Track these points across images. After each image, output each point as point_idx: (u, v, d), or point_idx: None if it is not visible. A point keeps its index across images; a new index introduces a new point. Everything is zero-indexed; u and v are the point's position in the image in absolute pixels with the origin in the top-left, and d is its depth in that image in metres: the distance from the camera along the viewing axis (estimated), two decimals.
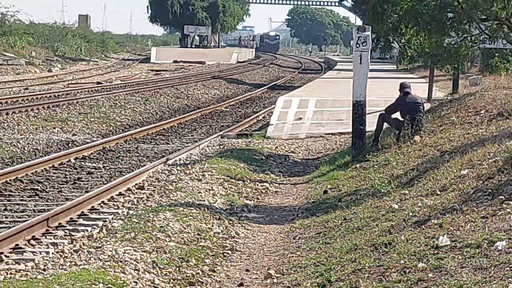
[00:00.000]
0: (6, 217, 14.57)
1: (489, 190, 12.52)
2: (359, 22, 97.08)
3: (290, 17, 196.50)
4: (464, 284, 8.85)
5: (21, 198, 16.37)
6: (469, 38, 25.48)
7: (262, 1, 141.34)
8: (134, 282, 10.97)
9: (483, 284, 8.64)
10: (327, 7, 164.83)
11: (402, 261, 10.47)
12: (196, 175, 18.58)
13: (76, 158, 21.17)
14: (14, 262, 11.74)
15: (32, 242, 12.86)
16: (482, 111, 20.97)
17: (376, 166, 18.95)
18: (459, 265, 9.55)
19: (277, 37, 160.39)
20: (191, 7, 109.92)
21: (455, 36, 25.26)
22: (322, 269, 11.48)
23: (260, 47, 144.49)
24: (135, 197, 16.48)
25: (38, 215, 14.24)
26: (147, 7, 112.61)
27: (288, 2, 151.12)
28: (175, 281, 11.48)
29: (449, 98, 29.01)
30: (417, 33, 26.04)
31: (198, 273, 11.98)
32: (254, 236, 14.43)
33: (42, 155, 21.78)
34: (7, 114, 28.72)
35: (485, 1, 22.94)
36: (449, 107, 25.09)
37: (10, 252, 12.17)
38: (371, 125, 21.71)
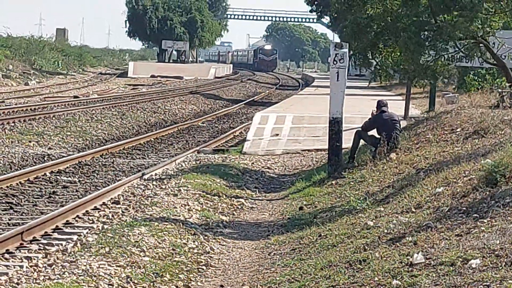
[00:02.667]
0: None
1: (464, 208, 12.57)
2: (336, 39, 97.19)
3: (268, 33, 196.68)
4: None
5: None
6: (445, 56, 25.65)
7: (240, 17, 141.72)
8: None
9: None
10: (305, 24, 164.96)
11: (376, 278, 10.50)
12: (171, 190, 18.57)
13: (51, 172, 21.12)
14: None
15: (6, 256, 12.80)
16: (458, 129, 21.04)
17: (352, 183, 18.98)
18: (433, 282, 9.59)
19: (275, 52, 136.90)
20: (169, 22, 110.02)
21: (432, 54, 25.41)
22: (296, 286, 11.48)
23: (253, 64, 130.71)
24: (110, 212, 16.45)
25: (12, 228, 14.19)
26: (125, 21, 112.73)
27: (266, 18, 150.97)
28: None
29: (425, 115, 29.07)
30: (394, 50, 26.19)
31: None
32: (229, 252, 14.43)
33: (17, 168, 21.70)
34: None
35: (464, 20, 23.10)
36: (425, 124, 25.16)
37: None
38: (347, 142, 21.75)
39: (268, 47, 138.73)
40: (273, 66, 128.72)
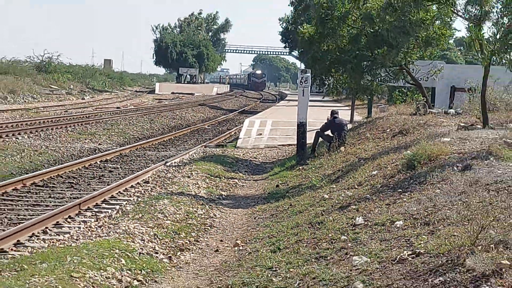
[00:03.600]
0: (50, 202, 14.52)
1: (391, 185, 12.62)
2: (302, 67, 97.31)
3: (254, 62, 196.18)
4: (373, 251, 8.91)
5: (61, 189, 16.31)
6: (379, 78, 25.71)
7: (234, 51, 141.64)
8: (141, 248, 10.97)
9: (387, 251, 8.70)
10: (280, 56, 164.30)
11: (330, 235, 10.53)
12: (186, 173, 18.57)
13: (101, 161, 21.11)
14: (55, 234, 11.71)
15: (68, 220, 12.84)
16: (388, 130, 21.09)
17: (313, 168, 19.01)
18: (370, 237, 9.62)
19: (264, 75, 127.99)
20: (184, 55, 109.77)
21: (369, 78, 25.48)
22: (273, 240, 11.51)
23: (248, 85, 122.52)
24: (142, 189, 16.46)
25: (73, 201, 14.21)
26: (153, 54, 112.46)
27: (253, 51, 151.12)
28: (170, 248, 11.48)
29: (364, 120, 29.14)
30: (342, 75, 26.26)
31: (186, 242, 12.00)
32: (226, 217, 14.45)
33: (76, 158, 21.70)
34: (52, 129, 28.62)
35: (392, 53, 23.15)
36: (364, 127, 25.22)
37: (53, 227, 12.13)
38: (310, 139, 21.76)
39: (258, 72, 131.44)
40: (263, 86, 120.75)
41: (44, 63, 66.97)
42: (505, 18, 14.23)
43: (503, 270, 6.43)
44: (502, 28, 13.94)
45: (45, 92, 54.49)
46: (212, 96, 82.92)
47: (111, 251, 10.32)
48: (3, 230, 11.35)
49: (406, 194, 11.44)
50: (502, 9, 14.30)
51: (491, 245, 7.21)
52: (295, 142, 22.63)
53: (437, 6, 20.81)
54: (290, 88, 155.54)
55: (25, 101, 46.80)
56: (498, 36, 14.03)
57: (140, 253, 10.75)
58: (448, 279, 6.86)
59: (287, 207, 14.22)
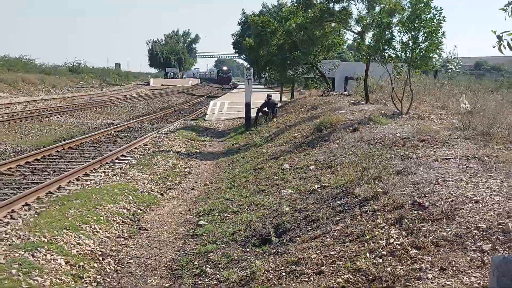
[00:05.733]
0: (81, 160, 14.27)
1: (307, 142, 12.72)
2: (247, 66, 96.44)
3: (215, 64, 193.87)
4: (294, 186, 9.00)
5: (88, 151, 15.99)
6: (297, 72, 25.77)
7: (202, 56, 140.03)
8: (143, 188, 10.88)
9: (304, 185, 8.79)
10: (233, 59, 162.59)
11: (267, 176, 10.59)
12: (172, 138, 18.40)
13: (114, 131, 20.75)
14: (84, 181, 11.53)
15: (93, 171, 12.63)
16: (304, 106, 21.19)
17: (255, 133, 19.02)
18: (293, 177, 9.71)
19: (229, 72, 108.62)
20: (168, 59, 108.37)
21: (291, 72, 25.52)
22: (230, 180, 11.53)
23: (216, 79, 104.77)
24: (142, 149, 16.24)
25: (96, 158, 13.98)
26: (147, 59, 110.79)
27: (215, 56, 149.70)
28: (162, 188, 11.39)
29: (289, 100, 29.17)
30: (273, 70, 26.26)
31: (173, 184, 11.93)
32: (199, 166, 14.39)
33: (98, 130, 21.28)
34: (81, 111, 27.98)
35: (305, 54, 23.21)
36: (289, 104, 25.26)
37: (83, 176, 11.94)
38: (253, 113, 21.74)
39: (225, 68, 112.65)
40: (229, 80, 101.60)
41: (75, 66, 65.72)
42: (373, 31, 14.63)
43: (378, 195, 6.56)
44: (374, 39, 14.21)
45: (76, 86, 53.09)
46: (188, 86, 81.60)
47: (122, 191, 10.25)
48: (50, 179, 11.14)
49: (316, 148, 11.55)
50: (374, 27, 14.57)
51: (371, 180, 7.34)
52: (243, 116, 22.60)
53: (335, 24, 20.91)
54: (240, 81, 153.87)
55: (62, 93, 45.57)
56: (372, 44, 14.24)
57: (141, 191, 10.69)
58: (343, 202, 6.98)
59: (239, 159, 14.25)
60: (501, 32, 3.92)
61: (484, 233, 4.87)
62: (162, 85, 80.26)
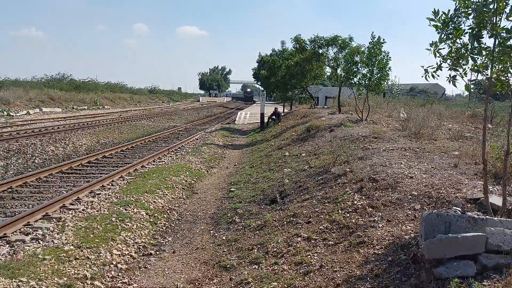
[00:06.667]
0: (156, 148, 14.16)
1: (300, 138, 12.62)
2: (262, 89, 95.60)
3: (242, 87, 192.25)
4: (292, 166, 8.93)
5: (160, 143, 15.64)
6: (295, 93, 25.53)
7: (233, 83, 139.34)
8: (195, 167, 10.84)
9: (298, 166, 8.73)
10: (254, 84, 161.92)
11: (274, 160, 10.51)
12: (214, 135, 18.40)
13: (177, 131, 20.68)
14: (158, 162, 11.26)
15: (164, 156, 12.41)
16: (298, 115, 21.04)
17: (267, 132, 18.87)
18: (292, 161, 9.63)
19: (252, 93, 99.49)
20: (212, 84, 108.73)
21: (291, 93, 25.31)
22: (251, 163, 11.46)
23: (243, 98, 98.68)
24: (194, 142, 16.19)
25: (165, 148, 13.80)
26: (198, 84, 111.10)
27: (241, 82, 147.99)
28: (207, 167, 11.33)
29: (289, 111, 28.99)
30: (279, 92, 26.09)
31: (214, 164, 11.86)
32: (231, 154, 14.39)
33: (166, 130, 21.09)
34: (155, 117, 27.90)
35: (299, 81, 22.98)
36: (289, 114, 25.08)
37: (157, 159, 11.66)
38: (265, 119, 21.58)
39: (249, 90, 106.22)
40: (251, 99, 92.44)
41: (152, 89, 66.30)
42: (343, 66, 14.41)
43: (346, 173, 6.50)
44: (344, 71, 14.02)
45: (153, 102, 53.45)
46: (224, 102, 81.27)
47: (182, 168, 10.28)
48: (136, 161, 11.12)
49: (306, 142, 11.46)
50: (343, 63, 14.38)
51: (342, 163, 7.28)
52: (259, 121, 22.51)
53: (316, 63, 20.73)
54: (258, 99, 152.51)
55: (144, 106, 45.92)
56: (343, 74, 14.06)
57: (194, 169, 10.69)
58: (324, 177, 6.93)
59: (256, 149, 14.19)
60: (427, 66, 3.95)
61: (416, 198, 4.86)
62: (207, 101, 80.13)
